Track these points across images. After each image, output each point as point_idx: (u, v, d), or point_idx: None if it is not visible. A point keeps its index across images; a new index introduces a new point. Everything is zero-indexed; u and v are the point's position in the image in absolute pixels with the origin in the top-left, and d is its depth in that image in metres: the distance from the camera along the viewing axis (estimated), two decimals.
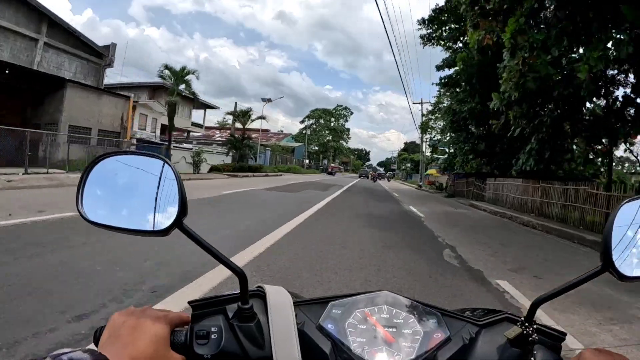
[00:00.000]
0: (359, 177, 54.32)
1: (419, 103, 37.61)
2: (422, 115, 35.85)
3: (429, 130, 36.70)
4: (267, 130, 59.47)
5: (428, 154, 39.82)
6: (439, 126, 33.14)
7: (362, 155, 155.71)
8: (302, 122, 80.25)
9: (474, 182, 20.02)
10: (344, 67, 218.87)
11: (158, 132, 28.47)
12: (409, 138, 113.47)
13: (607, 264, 0.45)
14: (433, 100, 32.34)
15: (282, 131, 67.18)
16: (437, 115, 32.30)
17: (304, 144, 63.02)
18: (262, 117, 31.53)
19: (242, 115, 29.28)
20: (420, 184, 35.87)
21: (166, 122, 22.60)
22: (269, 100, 39.20)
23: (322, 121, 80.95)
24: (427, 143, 38.49)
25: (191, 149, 24.66)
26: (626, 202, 0.49)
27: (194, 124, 35.17)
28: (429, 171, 38.65)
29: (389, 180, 54.79)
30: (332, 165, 57.22)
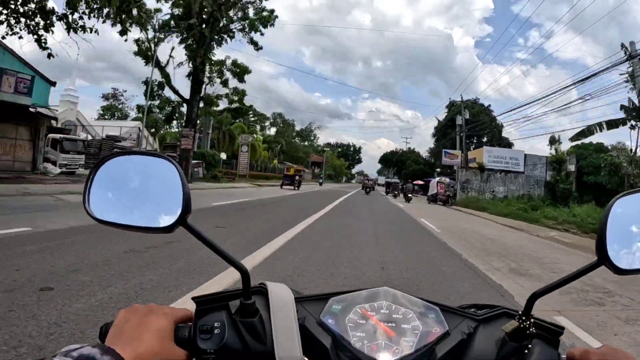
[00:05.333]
0: (362, 188, 35.82)
1: None
2: None
3: None
4: None
5: None
6: None
7: (350, 154, 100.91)
8: None
9: None
10: (333, 74, 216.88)
11: None
12: (403, 146, 73.63)
13: (603, 258, 0.46)
14: None
15: None
16: None
17: None
18: None
19: None
20: None
21: None
22: None
23: None
24: None
25: None
26: (620, 197, 0.50)
27: None
28: None
29: (407, 200, 24.46)
30: None
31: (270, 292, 0.53)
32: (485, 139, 40.24)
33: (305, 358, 0.47)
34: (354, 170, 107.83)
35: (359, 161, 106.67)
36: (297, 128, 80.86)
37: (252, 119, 61.22)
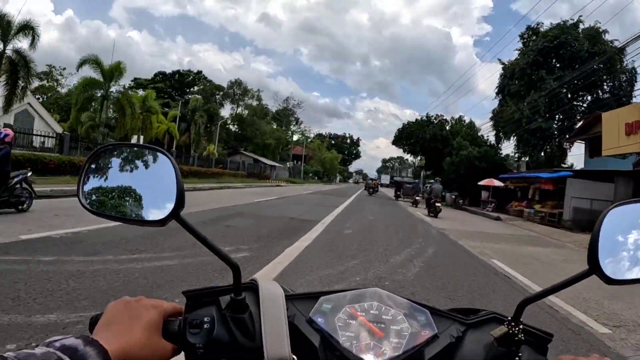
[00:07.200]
0: (365, 189, 34.92)
1: None
2: None
3: None
4: None
5: None
6: None
7: (346, 147, 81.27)
8: None
9: None
10: (331, 73, 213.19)
11: None
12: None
13: (594, 267, 0.46)
14: None
15: None
16: None
17: None
18: None
19: None
20: None
21: None
22: None
23: None
24: None
25: None
26: (614, 207, 0.49)
27: None
28: None
29: (432, 212, 14.20)
30: None
31: (261, 289, 0.53)
32: (604, 92, 20.37)
33: (294, 356, 0.47)
34: (351, 168, 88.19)
35: (357, 156, 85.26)
36: (272, 108, 58.78)
37: (199, 87, 45.30)
